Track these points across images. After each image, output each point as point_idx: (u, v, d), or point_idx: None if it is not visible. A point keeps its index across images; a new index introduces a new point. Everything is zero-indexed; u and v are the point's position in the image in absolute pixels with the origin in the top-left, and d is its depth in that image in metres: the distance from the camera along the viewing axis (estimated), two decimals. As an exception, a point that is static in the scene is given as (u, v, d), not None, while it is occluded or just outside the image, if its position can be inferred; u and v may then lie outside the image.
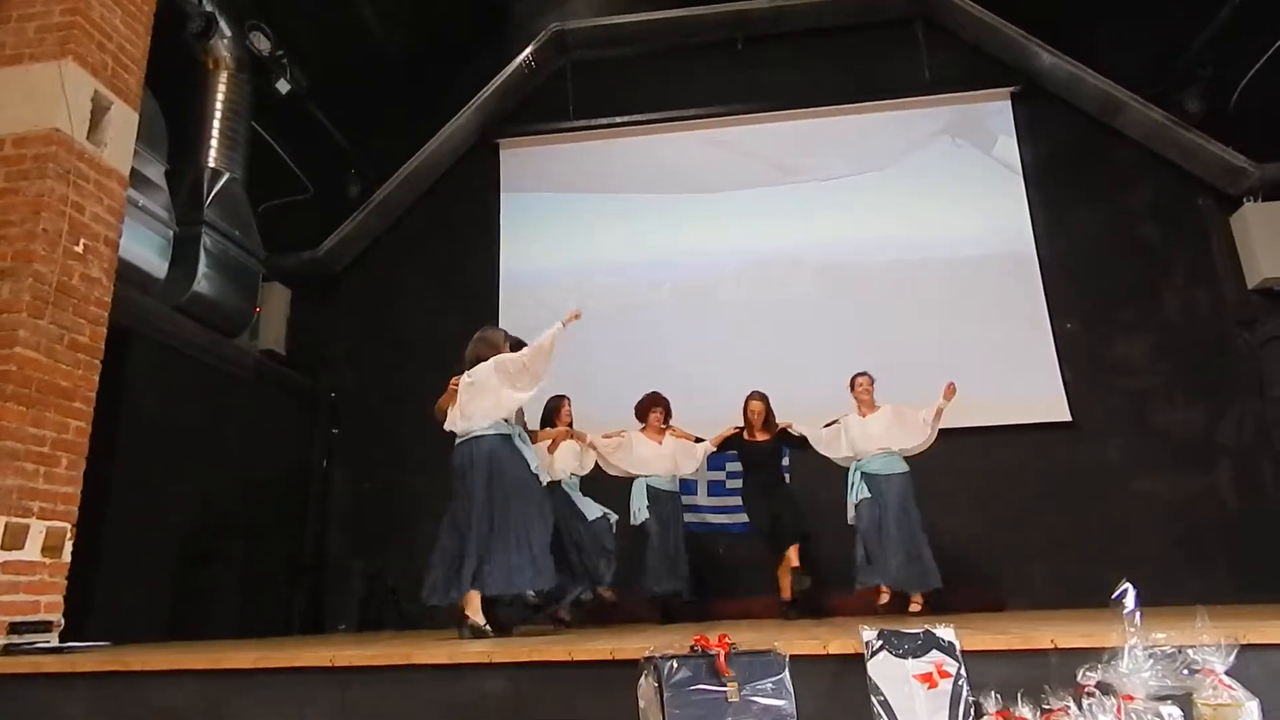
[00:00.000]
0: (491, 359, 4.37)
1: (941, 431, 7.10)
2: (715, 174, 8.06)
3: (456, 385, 4.39)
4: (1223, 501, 6.59)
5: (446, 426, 4.41)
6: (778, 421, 5.94)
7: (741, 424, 5.97)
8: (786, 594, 5.58)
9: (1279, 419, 6.62)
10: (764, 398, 5.95)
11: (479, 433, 4.28)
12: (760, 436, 5.91)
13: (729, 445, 6.06)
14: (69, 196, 4.04)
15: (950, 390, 5.53)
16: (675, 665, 2.33)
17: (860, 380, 5.82)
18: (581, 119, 8.29)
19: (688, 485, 6.51)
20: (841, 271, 7.60)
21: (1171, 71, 7.36)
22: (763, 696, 2.32)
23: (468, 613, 3.99)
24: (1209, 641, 2.22)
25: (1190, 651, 2.22)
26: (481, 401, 4.29)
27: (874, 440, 5.62)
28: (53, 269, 3.92)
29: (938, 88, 7.92)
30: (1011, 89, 7.81)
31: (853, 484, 5.69)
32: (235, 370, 6.85)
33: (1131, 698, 2.18)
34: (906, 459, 5.70)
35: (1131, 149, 7.46)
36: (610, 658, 2.56)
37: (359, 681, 2.70)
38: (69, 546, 3.92)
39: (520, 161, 8.40)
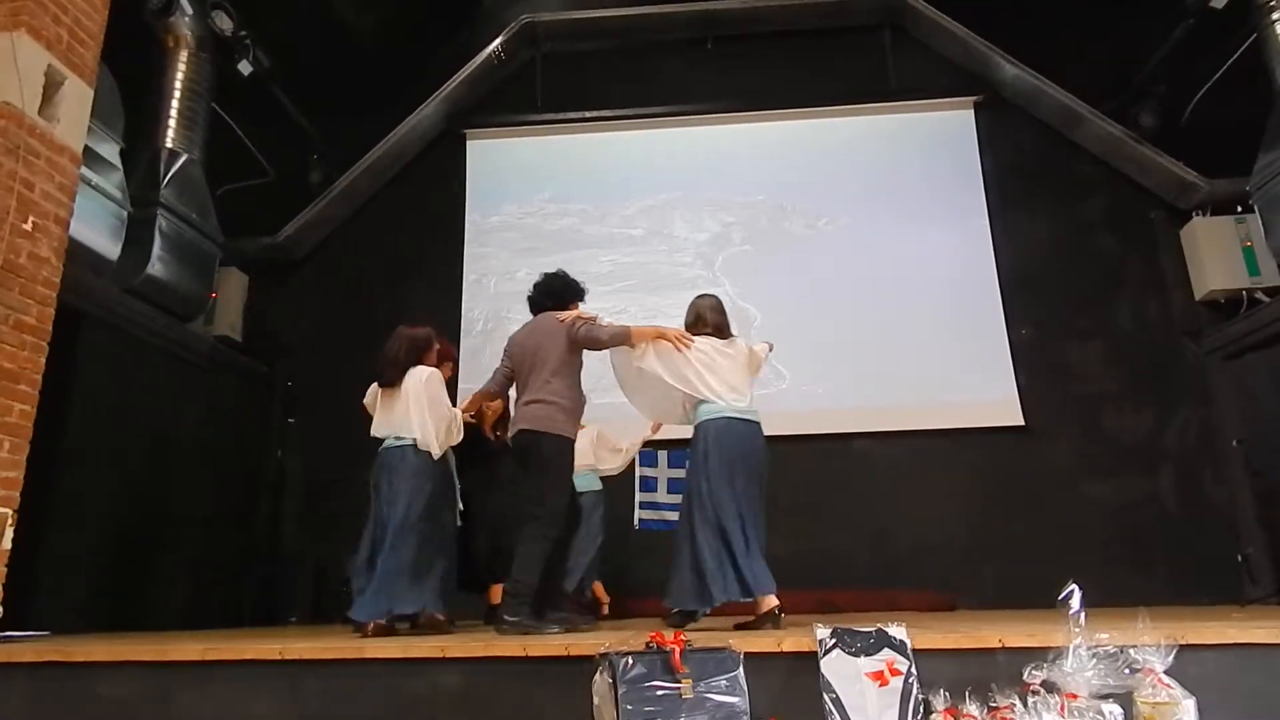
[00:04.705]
0: (746, 345, 3.91)
1: (896, 434, 7.20)
2: (681, 173, 8.06)
3: (673, 336, 3.77)
4: (1165, 506, 6.78)
5: (684, 388, 3.74)
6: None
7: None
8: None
9: (1221, 426, 6.83)
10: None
11: (746, 414, 3.73)
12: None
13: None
14: (18, 172, 3.91)
15: (656, 427, 5.78)
16: (630, 662, 2.34)
17: None
18: (550, 112, 8.25)
19: (647, 482, 6.52)
20: (799, 273, 7.63)
21: (1128, 88, 7.55)
22: (717, 693, 2.34)
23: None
24: (1149, 642, 2.30)
25: (1131, 651, 2.29)
26: (737, 377, 3.75)
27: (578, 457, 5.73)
28: (-1, 247, 3.79)
29: (903, 95, 8.03)
30: (975, 98, 7.94)
31: None
32: (189, 356, 6.69)
33: (1075, 696, 2.25)
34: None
35: (1089, 161, 7.63)
36: (565, 653, 2.56)
37: (310, 674, 2.67)
38: (9, 533, 3.80)
39: (487, 152, 8.33)
